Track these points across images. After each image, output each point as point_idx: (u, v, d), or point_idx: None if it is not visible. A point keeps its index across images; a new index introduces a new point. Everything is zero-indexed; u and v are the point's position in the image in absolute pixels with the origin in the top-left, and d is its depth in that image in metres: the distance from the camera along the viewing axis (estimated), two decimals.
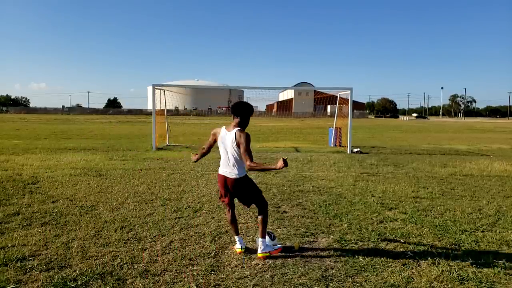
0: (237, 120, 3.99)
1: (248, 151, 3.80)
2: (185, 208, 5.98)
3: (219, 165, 4.26)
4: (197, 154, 4.46)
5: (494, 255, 4.23)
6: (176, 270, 3.76)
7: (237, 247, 4.23)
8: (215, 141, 4.17)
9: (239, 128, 3.94)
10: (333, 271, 3.78)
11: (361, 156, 13.49)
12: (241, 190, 4.08)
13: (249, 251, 4.28)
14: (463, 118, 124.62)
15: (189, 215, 5.61)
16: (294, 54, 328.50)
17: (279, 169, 3.60)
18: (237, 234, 4.30)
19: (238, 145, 3.89)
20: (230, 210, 4.27)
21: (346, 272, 3.76)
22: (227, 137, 3.97)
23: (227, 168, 4.06)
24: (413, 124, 56.31)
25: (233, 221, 4.28)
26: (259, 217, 4.14)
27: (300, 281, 3.57)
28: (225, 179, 4.09)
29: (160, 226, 5.10)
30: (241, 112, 3.98)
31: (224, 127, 4.06)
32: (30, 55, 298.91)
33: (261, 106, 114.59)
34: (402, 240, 4.67)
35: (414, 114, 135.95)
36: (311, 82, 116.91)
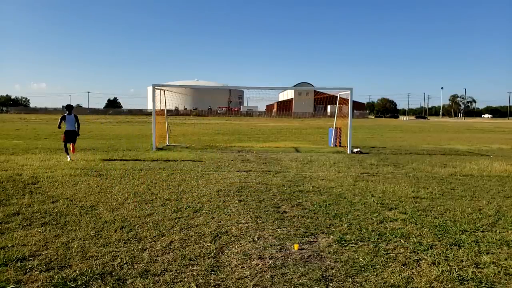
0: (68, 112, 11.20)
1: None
2: (185, 208, 5.98)
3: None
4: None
5: (494, 255, 4.23)
6: (176, 270, 3.76)
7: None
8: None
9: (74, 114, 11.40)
10: (333, 271, 3.78)
11: (361, 156, 13.49)
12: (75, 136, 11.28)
13: (249, 251, 4.28)
14: (463, 118, 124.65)
15: (189, 215, 5.61)
16: (294, 54, 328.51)
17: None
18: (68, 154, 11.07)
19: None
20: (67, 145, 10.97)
21: (346, 272, 3.76)
22: (71, 117, 11.21)
23: (72, 127, 11.20)
24: (413, 124, 56.33)
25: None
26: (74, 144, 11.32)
27: (300, 281, 3.57)
28: (72, 132, 11.24)
29: (160, 226, 5.10)
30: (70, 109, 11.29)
31: (66, 113, 11.00)
32: (30, 55, 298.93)
33: (261, 106, 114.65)
34: (402, 240, 4.67)
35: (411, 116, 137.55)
36: (311, 82, 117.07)
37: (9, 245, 4.32)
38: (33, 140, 18.48)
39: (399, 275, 3.71)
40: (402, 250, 4.37)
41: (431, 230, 5.05)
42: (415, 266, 3.93)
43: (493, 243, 4.61)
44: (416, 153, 14.72)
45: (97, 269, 3.73)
